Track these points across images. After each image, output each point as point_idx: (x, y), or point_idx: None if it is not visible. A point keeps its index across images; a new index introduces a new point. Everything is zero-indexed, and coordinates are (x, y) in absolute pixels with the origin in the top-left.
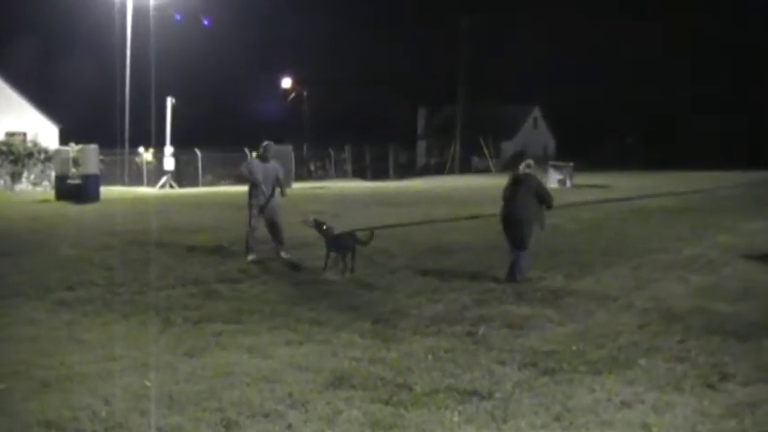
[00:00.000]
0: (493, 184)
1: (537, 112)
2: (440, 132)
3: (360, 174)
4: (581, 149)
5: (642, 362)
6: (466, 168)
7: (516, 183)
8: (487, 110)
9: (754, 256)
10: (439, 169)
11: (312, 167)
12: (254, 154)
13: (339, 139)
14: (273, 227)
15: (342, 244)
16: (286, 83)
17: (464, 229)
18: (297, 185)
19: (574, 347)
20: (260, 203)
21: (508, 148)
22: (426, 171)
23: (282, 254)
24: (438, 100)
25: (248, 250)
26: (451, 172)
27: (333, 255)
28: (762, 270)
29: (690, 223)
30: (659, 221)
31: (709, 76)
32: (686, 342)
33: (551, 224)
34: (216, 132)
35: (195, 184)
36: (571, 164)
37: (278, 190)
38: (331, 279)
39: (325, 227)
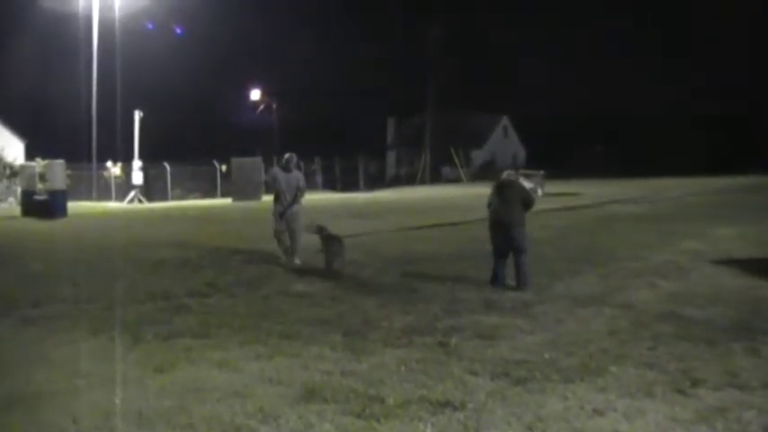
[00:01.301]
0: (465, 193)
1: (506, 121)
2: (409, 142)
3: (330, 185)
4: (552, 158)
5: (613, 369)
6: (437, 178)
7: (502, 188)
8: (457, 119)
9: (722, 261)
10: (409, 180)
11: None
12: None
13: (308, 150)
14: (291, 234)
15: (332, 247)
16: (255, 95)
17: (434, 239)
18: (268, 198)
19: (545, 356)
20: (279, 211)
21: (478, 157)
22: (397, 182)
23: (296, 260)
24: (407, 110)
25: (288, 254)
26: (422, 182)
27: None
28: (730, 275)
29: (659, 230)
30: (629, 228)
31: (686, 78)
32: (656, 348)
33: None
34: (185, 145)
35: (164, 198)
36: (541, 172)
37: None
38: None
39: (324, 231)
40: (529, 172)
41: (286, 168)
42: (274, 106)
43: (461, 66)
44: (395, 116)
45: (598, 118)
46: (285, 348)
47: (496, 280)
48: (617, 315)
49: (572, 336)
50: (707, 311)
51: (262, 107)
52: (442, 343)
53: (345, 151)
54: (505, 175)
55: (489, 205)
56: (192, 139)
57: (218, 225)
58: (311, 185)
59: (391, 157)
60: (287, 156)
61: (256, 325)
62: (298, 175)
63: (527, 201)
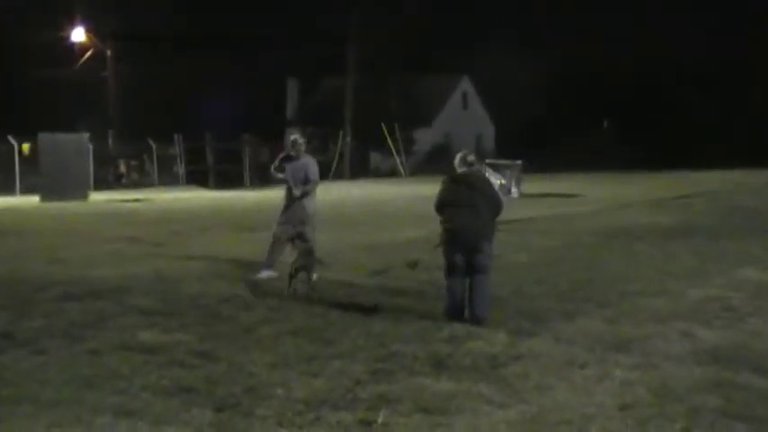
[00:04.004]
0: (402, 194)
1: (467, 86)
2: (321, 117)
3: (198, 179)
4: (532, 141)
5: None
6: (362, 170)
7: (466, 184)
8: (393, 82)
9: None
10: (320, 172)
11: (122, 169)
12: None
13: (165, 126)
14: (301, 239)
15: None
16: (78, 35)
17: (356, 263)
18: (99, 197)
19: None
20: (285, 205)
21: (424, 139)
22: None
23: (312, 276)
24: (317, 68)
25: (266, 266)
26: (339, 176)
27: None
28: None
29: (698, 250)
30: (652, 248)
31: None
32: None
33: None
34: None
35: None
36: (518, 162)
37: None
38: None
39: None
40: (499, 162)
41: (294, 154)
42: (109, 54)
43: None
44: (299, 77)
45: (604, 81)
46: None
47: (455, 308)
48: (632, 380)
49: (563, 411)
50: None
51: (89, 55)
52: (367, 420)
53: (222, 129)
54: (459, 160)
55: (441, 207)
56: None
57: (18, 239)
58: (170, 179)
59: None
60: (292, 138)
61: (78, 397)
62: (306, 162)
63: (497, 205)
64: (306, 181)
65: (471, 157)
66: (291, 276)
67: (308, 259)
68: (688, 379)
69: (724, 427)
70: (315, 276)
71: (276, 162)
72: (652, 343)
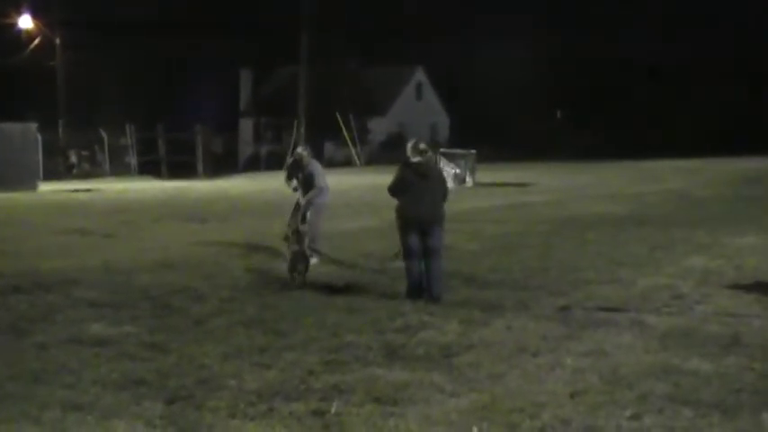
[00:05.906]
0: (358, 183)
1: (421, 76)
2: (274, 107)
3: (151, 169)
4: (487, 131)
5: None
6: (316, 160)
7: (419, 173)
8: (347, 72)
9: (743, 286)
10: (274, 162)
11: (73, 159)
12: None
13: (116, 115)
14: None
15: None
16: (25, 22)
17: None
18: (48, 187)
19: (474, 430)
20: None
21: (379, 128)
22: (254, 165)
23: (312, 259)
24: (270, 58)
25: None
26: None
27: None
28: (756, 306)
29: (649, 239)
30: (604, 237)
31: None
32: (642, 418)
33: None
34: None
35: None
36: (473, 152)
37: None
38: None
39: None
40: (454, 152)
41: (300, 160)
42: (58, 42)
43: None
44: (252, 67)
45: (558, 70)
46: (72, 427)
47: (415, 288)
48: (584, 367)
49: (515, 398)
50: (721, 363)
51: (36, 42)
52: (320, 411)
53: (175, 119)
54: (421, 148)
55: (395, 192)
56: None
57: None
58: (121, 168)
59: (246, 128)
60: (297, 151)
61: (25, 392)
62: (312, 170)
63: (446, 191)
64: (310, 184)
65: (422, 145)
66: (292, 270)
67: (299, 257)
68: (638, 366)
69: (672, 413)
70: (315, 260)
71: (286, 172)
72: (603, 331)
